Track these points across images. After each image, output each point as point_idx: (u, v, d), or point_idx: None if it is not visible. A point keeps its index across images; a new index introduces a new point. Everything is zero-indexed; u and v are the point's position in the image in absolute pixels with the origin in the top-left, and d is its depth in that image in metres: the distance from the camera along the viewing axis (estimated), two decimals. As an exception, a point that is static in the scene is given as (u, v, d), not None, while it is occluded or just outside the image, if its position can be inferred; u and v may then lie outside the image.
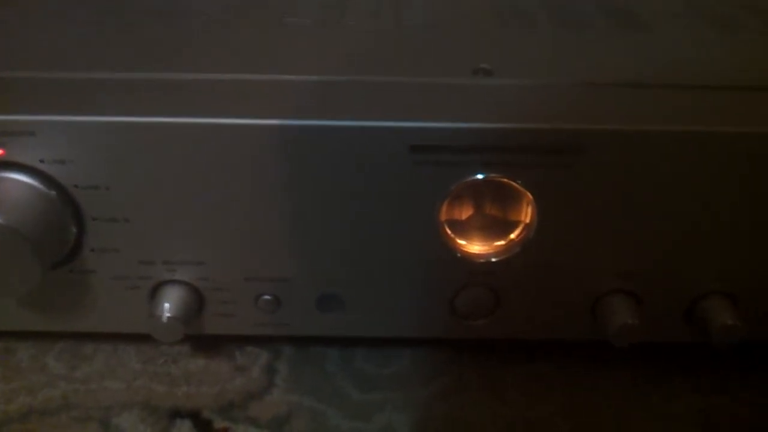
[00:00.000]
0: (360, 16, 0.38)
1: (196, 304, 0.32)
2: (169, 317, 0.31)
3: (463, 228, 0.31)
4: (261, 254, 0.31)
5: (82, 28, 0.36)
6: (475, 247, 0.31)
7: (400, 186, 0.29)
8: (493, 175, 0.29)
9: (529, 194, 0.29)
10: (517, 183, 0.29)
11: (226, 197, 0.29)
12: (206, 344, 0.36)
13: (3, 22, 0.36)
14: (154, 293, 0.32)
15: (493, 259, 0.31)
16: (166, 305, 0.31)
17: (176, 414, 0.33)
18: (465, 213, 0.31)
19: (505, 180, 0.29)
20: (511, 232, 0.31)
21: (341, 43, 0.35)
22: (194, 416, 0.33)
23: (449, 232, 0.31)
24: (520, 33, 0.37)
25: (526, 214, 0.30)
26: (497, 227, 0.31)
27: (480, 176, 0.29)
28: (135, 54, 0.33)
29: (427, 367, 0.35)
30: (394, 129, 0.28)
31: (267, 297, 0.32)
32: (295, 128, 0.28)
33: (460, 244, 0.31)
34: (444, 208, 0.30)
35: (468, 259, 0.31)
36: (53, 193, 0.29)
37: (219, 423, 0.33)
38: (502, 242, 0.31)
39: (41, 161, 0.28)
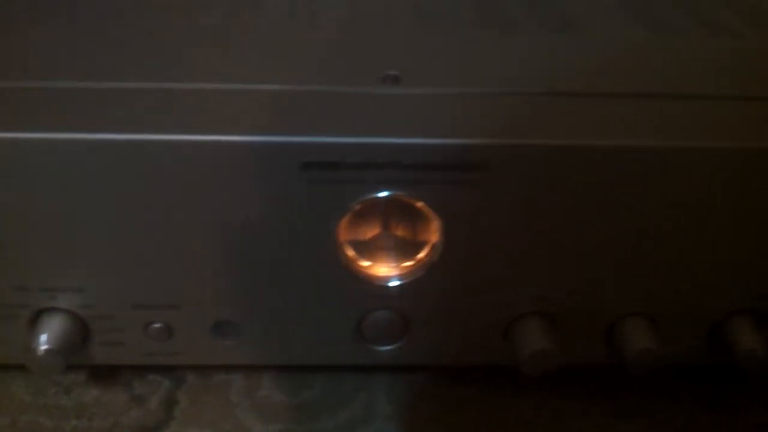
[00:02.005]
0: (273, 16, 0.36)
1: (80, 333, 0.29)
2: (45, 349, 0.28)
3: (369, 249, 0.29)
4: (148, 280, 0.28)
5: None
6: (381, 269, 0.29)
7: (296, 205, 0.27)
8: (394, 192, 0.27)
9: (433, 213, 0.27)
10: (421, 201, 0.27)
11: (108, 219, 0.27)
12: (103, 372, 0.33)
13: None
14: (34, 322, 0.29)
15: (400, 282, 0.29)
16: (43, 336, 0.28)
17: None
18: (370, 233, 0.29)
19: (408, 198, 0.27)
20: (419, 252, 0.29)
21: (243, 47, 0.32)
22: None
23: (352, 253, 0.29)
24: (439, 34, 0.34)
25: (433, 233, 0.28)
26: (406, 248, 0.29)
27: (382, 194, 0.27)
28: None
29: (337, 395, 0.33)
30: (284, 145, 0.25)
31: (157, 325, 0.30)
32: (180, 144, 0.25)
33: (363, 266, 0.29)
34: (343, 227, 0.28)
35: (372, 282, 0.29)
36: None
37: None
38: (410, 263, 0.29)
39: None
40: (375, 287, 0.29)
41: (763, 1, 0.41)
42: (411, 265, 0.29)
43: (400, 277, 0.29)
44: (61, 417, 0.32)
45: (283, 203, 0.27)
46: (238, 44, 0.32)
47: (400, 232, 0.29)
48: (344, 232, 0.28)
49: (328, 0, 0.38)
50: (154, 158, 0.25)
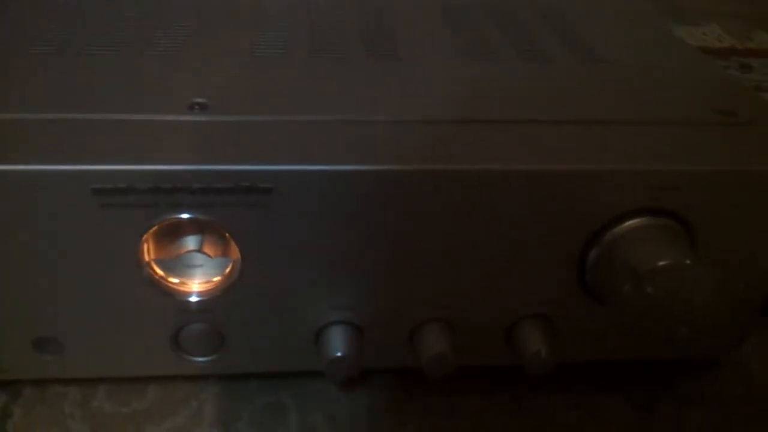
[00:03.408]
0: (102, 44, 0.37)
1: None
2: None
3: (179, 266, 0.31)
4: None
5: None
6: (193, 285, 0.31)
7: (94, 228, 0.28)
8: (190, 215, 0.29)
9: (228, 233, 0.29)
10: (215, 222, 0.29)
11: None
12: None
13: None
14: None
15: (203, 298, 0.31)
16: None
17: None
18: (176, 252, 0.31)
19: (203, 219, 0.29)
20: (226, 268, 0.31)
21: (47, 71, 0.34)
22: None
23: (158, 271, 0.30)
24: (262, 64, 0.36)
25: (234, 251, 0.30)
26: (215, 265, 0.31)
27: (181, 216, 0.29)
28: None
29: (167, 403, 0.35)
30: (73, 173, 0.27)
31: (-22, 342, 0.31)
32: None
33: (172, 283, 0.31)
34: (149, 248, 0.29)
35: (179, 297, 0.31)
36: None
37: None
38: (218, 279, 0.31)
39: None
40: (182, 303, 0.31)
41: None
42: (218, 281, 0.31)
43: (206, 292, 0.31)
44: None
45: (83, 227, 0.28)
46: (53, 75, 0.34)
47: (207, 250, 0.31)
48: (152, 251, 0.30)
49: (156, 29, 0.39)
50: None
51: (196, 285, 0.31)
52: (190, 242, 0.30)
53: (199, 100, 0.32)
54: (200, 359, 0.33)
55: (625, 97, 0.34)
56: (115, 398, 0.35)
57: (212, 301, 0.31)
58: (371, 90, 0.34)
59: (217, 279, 0.31)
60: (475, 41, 0.40)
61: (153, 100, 0.32)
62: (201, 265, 0.31)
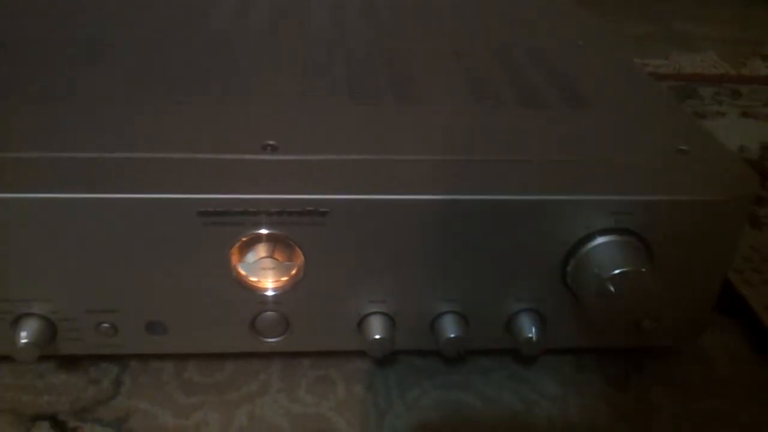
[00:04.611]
0: (161, 90, 0.47)
1: (50, 331, 0.41)
2: (25, 342, 0.40)
3: (257, 268, 0.41)
4: (98, 292, 0.40)
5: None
6: (267, 283, 0.41)
7: (197, 240, 0.38)
8: (268, 231, 0.39)
9: (295, 244, 0.39)
10: (287, 236, 0.39)
11: (73, 257, 0.38)
12: (67, 362, 0.45)
13: None
14: (15, 324, 0.41)
15: (278, 292, 0.41)
16: (23, 333, 0.40)
17: (37, 417, 0.42)
18: (255, 257, 0.41)
19: (278, 233, 0.39)
20: (292, 270, 0.41)
21: (145, 118, 0.44)
22: (52, 418, 0.42)
23: (241, 272, 0.40)
24: (315, 109, 0.46)
25: (299, 257, 0.40)
26: (284, 268, 0.41)
27: (261, 231, 0.39)
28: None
29: (242, 375, 0.45)
30: (184, 200, 0.37)
31: (105, 325, 0.41)
32: (114, 201, 0.37)
33: (251, 282, 0.41)
34: (234, 254, 0.39)
35: (258, 293, 0.41)
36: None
37: (72, 423, 0.42)
38: (285, 279, 0.41)
39: None
40: (259, 296, 0.41)
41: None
42: (287, 280, 0.41)
43: (277, 288, 0.41)
44: (36, 394, 0.43)
45: (188, 239, 0.38)
46: (138, 118, 0.44)
47: (279, 256, 0.41)
48: (235, 257, 0.40)
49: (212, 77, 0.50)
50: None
51: (269, 283, 0.41)
52: (266, 250, 0.40)
53: (270, 142, 0.42)
54: (270, 340, 0.43)
55: (602, 138, 0.44)
56: (202, 371, 0.45)
57: (281, 295, 0.41)
58: (398, 132, 0.44)
59: (284, 278, 0.41)
60: (480, 84, 0.50)
61: (236, 142, 0.42)
62: (273, 268, 0.41)
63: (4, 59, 0.50)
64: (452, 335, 0.41)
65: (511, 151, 0.42)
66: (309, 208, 0.38)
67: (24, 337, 0.40)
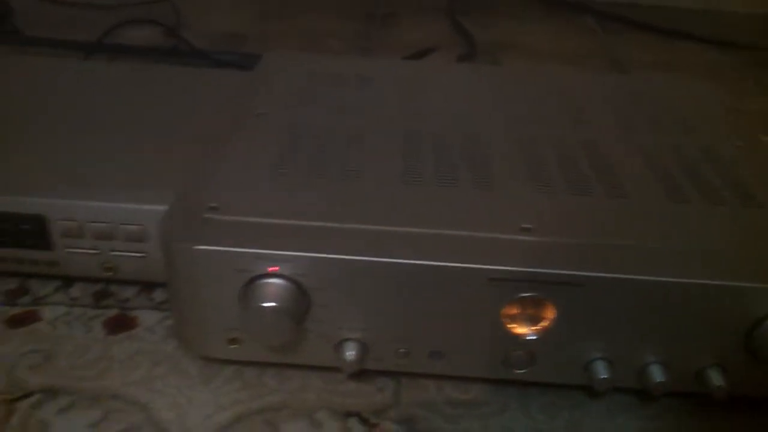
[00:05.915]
0: (434, 178, 0.64)
1: (364, 351, 0.58)
2: (351, 359, 0.57)
3: (516, 319, 0.56)
4: (403, 328, 0.57)
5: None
6: (522, 329, 0.57)
7: (483, 297, 0.54)
8: (530, 294, 0.54)
9: (551, 305, 0.55)
10: (544, 298, 0.54)
11: (389, 304, 0.55)
12: (359, 375, 0.62)
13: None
14: (339, 345, 0.58)
15: (530, 337, 0.56)
16: (349, 353, 0.57)
17: (348, 414, 0.59)
18: (517, 311, 0.56)
19: (536, 296, 0.54)
20: (542, 322, 0.56)
21: (426, 201, 0.60)
22: (359, 416, 0.59)
23: (506, 322, 0.56)
24: (559, 196, 0.62)
25: (550, 312, 0.55)
26: (535, 318, 0.56)
27: (524, 294, 0.54)
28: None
29: (492, 396, 0.60)
30: (475, 270, 0.53)
31: (402, 350, 0.58)
32: (424, 267, 0.53)
33: (512, 327, 0.56)
34: (504, 310, 0.55)
35: (515, 335, 0.56)
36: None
37: (373, 420, 0.58)
38: (536, 328, 0.56)
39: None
40: (517, 338, 0.56)
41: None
42: (537, 328, 0.56)
43: (531, 333, 0.56)
44: (344, 396, 0.60)
45: (477, 299, 0.54)
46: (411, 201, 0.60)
47: (532, 311, 0.56)
48: (504, 312, 0.56)
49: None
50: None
51: (523, 330, 0.57)
52: (527, 307, 0.56)
53: (526, 225, 0.58)
54: (519, 371, 0.58)
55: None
56: (457, 388, 0.61)
57: (534, 339, 0.56)
58: (639, 219, 0.59)
59: (535, 328, 0.56)
60: (671, 181, 0.64)
61: (492, 223, 0.58)
62: (528, 319, 0.56)
63: (316, 146, 0.68)
64: (658, 380, 0.56)
65: (711, 243, 0.56)
66: (565, 281, 0.53)
67: (350, 356, 0.57)
